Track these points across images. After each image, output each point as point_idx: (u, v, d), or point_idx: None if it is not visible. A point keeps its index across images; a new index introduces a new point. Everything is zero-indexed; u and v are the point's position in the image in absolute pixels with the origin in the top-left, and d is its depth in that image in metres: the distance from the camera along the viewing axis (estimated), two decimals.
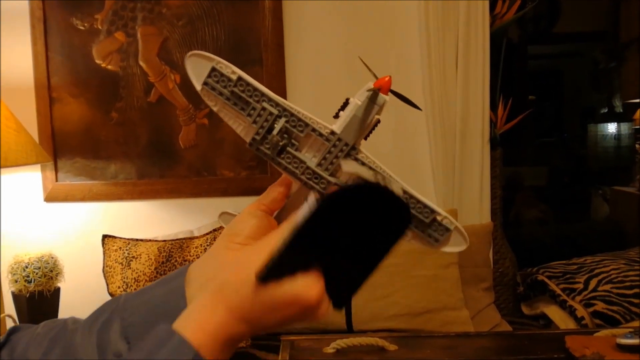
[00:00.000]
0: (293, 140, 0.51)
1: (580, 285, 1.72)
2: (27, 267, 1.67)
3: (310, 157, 0.51)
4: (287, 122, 0.50)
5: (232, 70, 0.50)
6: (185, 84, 1.97)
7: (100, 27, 1.96)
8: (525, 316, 1.90)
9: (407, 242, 0.51)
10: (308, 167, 0.51)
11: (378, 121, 0.51)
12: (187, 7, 1.93)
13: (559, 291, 1.75)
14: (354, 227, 0.43)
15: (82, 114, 1.99)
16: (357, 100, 0.50)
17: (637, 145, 4.05)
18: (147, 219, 1.98)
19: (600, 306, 1.63)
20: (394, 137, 1.94)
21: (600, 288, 1.69)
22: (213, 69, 0.50)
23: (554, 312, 1.75)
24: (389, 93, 0.51)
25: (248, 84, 0.50)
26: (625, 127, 4.65)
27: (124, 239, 1.77)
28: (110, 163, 2.00)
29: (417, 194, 0.52)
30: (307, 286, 0.42)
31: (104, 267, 1.74)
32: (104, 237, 1.78)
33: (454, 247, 0.54)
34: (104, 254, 1.76)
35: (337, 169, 0.51)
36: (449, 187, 1.87)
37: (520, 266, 2.08)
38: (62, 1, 1.96)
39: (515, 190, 3.96)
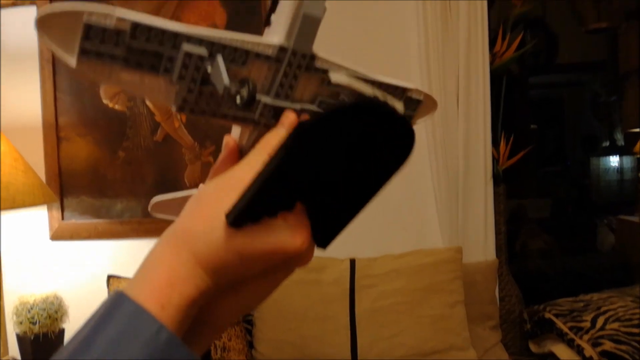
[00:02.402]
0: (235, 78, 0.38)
1: (588, 324, 1.71)
2: (32, 309, 1.67)
3: (259, 92, 0.39)
4: (224, 58, 0.36)
5: (117, 17, 0.33)
6: (191, 123, 1.99)
7: None
8: (533, 354, 1.88)
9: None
10: (265, 105, 0.39)
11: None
12: None
13: (566, 330, 1.74)
14: (348, 155, 0.34)
15: (89, 153, 2.01)
16: None
17: None
18: None
19: (608, 345, 1.62)
20: (397, 176, 1.95)
21: (607, 326, 1.67)
22: (87, 27, 0.33)
23: (562, 351, 1.73)
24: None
25: (150, 28, 0.34)
26: (627, 160, 4.67)
27: (129, 278, 1.76)
28: (116, 201, 2.01)
29: (386, 78, 0.44)
30: (292, 231, 0.34)
31: None
32: (109, 277, 1.78)
33: (424, 115, 0.47)
34: (108, 286, 1.76)
35: (297, 91, 0.40)
36: (453, 225, 1.87)
37: (527, 302, 2.06)
38: None
39: (519, 223, 3.95)
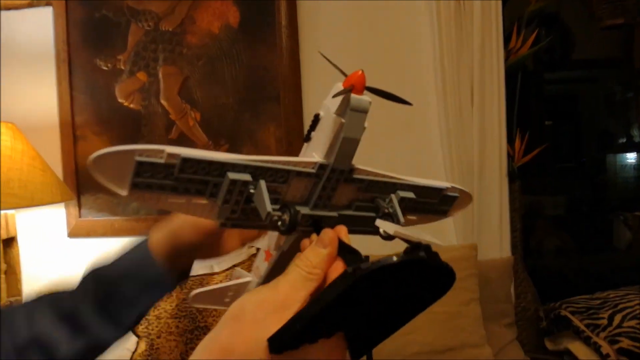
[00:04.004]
0: (279, 196, 0.41)
1: (605, 321, 1.69)
2: None
3: (298, 200, 0.42)
4: (266, 180, 0.39)
5: (166, 154, 0.36)
6: (205, 121, 2.00)
7: (122, 68, 2.02)
8: (549, 352, 1.87)
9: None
10: (304, 215, 0.42)
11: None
12: (206, 47, 1.98)
13: (582, 327, 1.72)
14: (389, 299, 0.37)
15: None
16: (336, 116, 0.39)
17: None
18: None
19: (626, 343, 1.60)
20: (412, 174, 1.94)
21: (625, 324, 1.66)
22: (139, 163, 0.36)
23: (579, 349, 1.71)
24: (366, 91, 0.41)
25: (199, 161, 0.37)
26: None
27: None
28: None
29: (422, 181, 0.47)
30: (327, 356, 0.36)
31: None
32: None
33: (460, 207, 0.51)
34: None
35: (335, 198, 0.43)
36: (468, 222, 1.87)
37: (543, 299, 2.05)
38: (86, 43, 2.03)
39: (535, 220, 3.92)
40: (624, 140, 4.96)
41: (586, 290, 1.96)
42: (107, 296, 0.57)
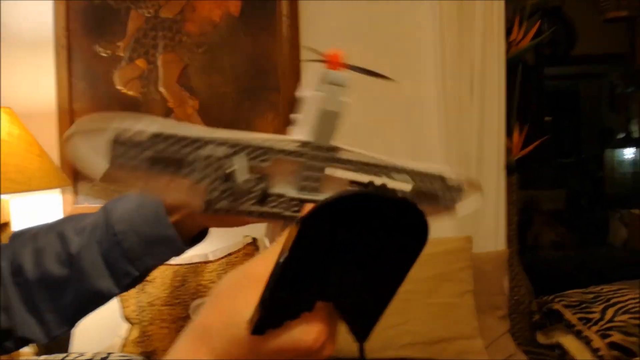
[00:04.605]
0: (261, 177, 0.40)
1: (597, 315, 1.70)
2: None
3: (285, 186, 0.40)
4: (245, 157, 0.38)
5: (140, 129, 0.37)
6: (204, 110, 2.00)
7: (122, 55, 2.01)
8: (541, 345, 1.88)
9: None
10: (291, 199, 0.40)
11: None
12: (207, 35, 1.98)
13: (574, 321, 1.73)
14: (351, 246, 0.33)
15: None
16: (316, 92, 0.39)
17: None
18: None
19: (617, 337, 1.61)
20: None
21: (617, 318, 1.67)
22: (113, 140, 0.36)
23: (570, 342, 1.73)
24: (347, 68, 0.40)
25: (171, 136, 0.37)
26: None
27: None
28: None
29: (421, 166, 0.45)
30: (306, 328, 0.35)
31: None
32: None
33: (468, 203, 0.48)
34: None
35: (324, 183, 0.41)
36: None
37: (537, 293, 2.06)
38: (86, 29, 2.02)
39: (532, 214, 3.93)
40: (623, 135, 4.96)
41: (581, 284, 1.97)
42: (112, 245, 0.55)
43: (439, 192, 0.45)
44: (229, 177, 0.38)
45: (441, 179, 0.45)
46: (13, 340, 0.56)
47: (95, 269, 0.54)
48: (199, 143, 0.37)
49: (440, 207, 0.46)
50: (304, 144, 0.40)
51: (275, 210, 0.40)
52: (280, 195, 0.40)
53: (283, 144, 0.39)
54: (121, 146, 0.36)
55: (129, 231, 0.54)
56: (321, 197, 0.41)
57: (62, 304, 0.56)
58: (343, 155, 0.41)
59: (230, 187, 0.38)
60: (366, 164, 0.42)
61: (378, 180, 0.41)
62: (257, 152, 0.39)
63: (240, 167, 0.37)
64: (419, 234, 0.34)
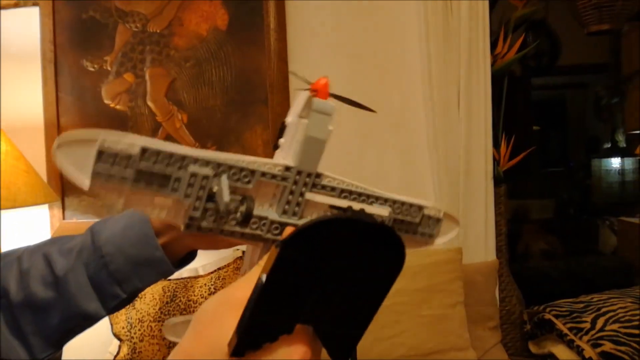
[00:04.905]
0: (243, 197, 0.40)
1: (588, 325, 1.71)
2: None
3: (267, 209, 0.41)
4: (229, 178, 0.39)
5: (127, 143, 0.37)
6: (192, 123, 2.00)
7: (109, 69, 2.01)
8: (533, 355, 1.88)
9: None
10: (272, 222, 0.41)
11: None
12: (195, 49, 1.98)
13: (566, 330, 1.74)
14: (330, 270, 0.34)
15: None
16: (300, 118, 0.40)
17: None
18: None
19: (608, 346, 1.62)
20: (399, 176, 1.96)
21: (607, 327, 1.67)
22: (100, 153, 0.37)
23: (562, 352, 1.73)
24: (332, 97, 0.42)
25: (158, 152, 0.38)
26: (629, 162, 4.66)
27: None
28: (118, 201, 2.02)
29: (401, 196, 0.46)
30: (289, 352, 0.35)
31: None
32: None
33: (447, 235, 0.49)
34: None
35: (305, 208, 0.42)
36: None
37: (527, 303, 2.06)
38: (73, 43, 2.02)
39: (521, 223, 3.95)
40: (609, 145, 5.02)
41: (571, 293, 1.98)
42: (99, 267, 0.54)
43: (416, 220, 0.45)
44: (212, 196, 0.38)
45: (419, 208, 0.46)
46: None
47: (82, 291, 0.54)
48: (184, 161, 0.38)
49: (417, 237, 0.47)
50: (288, 168, 0.40)
51: (256, 232, 0.41)
52: (262, 218, 0.41)
53: (267, 167, 0.40)
54: (106, 159, 0.37)
55: (117, 253, 0.54)
56: (302, 221, 0.41)
57: (48, 326, 0.55)
58: (325, 182, 0.42)
59: (213, 207, 0.39)
60: (347, 190, 0.43)
61: (357, 206, 0.42)
62: (241, 174, 0.39)
63: (223, 188, 0.38)
64: (396, 258, 0.35)
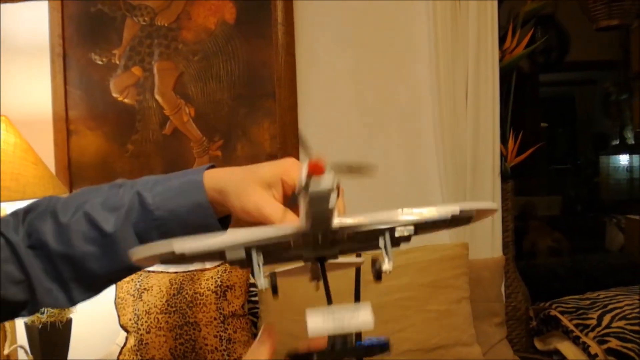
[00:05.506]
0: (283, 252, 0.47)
1: (594, 321, 1.70)
2: None
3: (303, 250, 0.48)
4: (258, 254, 0.45)
5: (176, 252, 0.44)
6: (200, 117, 2.00)
7: (117, 62, 2.02)
8: (539, 352, 1.88)
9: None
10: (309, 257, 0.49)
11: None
12: (202, 43, 1.98)
13: (572, 327, 1.73)
14: None
15: (99, 146, 2.03)
16: (303, 190, 0.42)
17: None
18: None
19: (614, 343, 1.61)
20: (406, 172, 1.95)
21: (614, 324, 1.67)
22: (160, 259, 0.46)
23: (567, 349, 1.72)
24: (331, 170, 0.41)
25: (201, 253, 0.45)
26: (637, 159, 4.63)
27: None
28: None
29: (429, 214, 0.47)
30: None
31: (115, 299, 1.76)
32: None
33: (484, 216, 0.53)
34: (115, 285, 1.77)
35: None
36: None
37: (533, 299, 2.06)
38: (81, 37, 2.03)
39: (528, 220, 3.94)
40: (617, 142, 4.98)
41: (578, 290, 1.97)
42: (151, 229, 0.57)
43: (448, 220, 0.49)
44: (251, 272, 0.47)
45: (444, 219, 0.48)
46: (28, 309, 0.59)
47: (130, 247, 0.57)
48: (222, 252, 0.44)
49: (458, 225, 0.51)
50: (304, 234, 0.44)
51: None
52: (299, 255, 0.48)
53: (289, 237, 0.45)
54: (165, 260, 0.45)
55: (170, 217, 0.56)
56: (334, 250, 0.47)
57: (89, 275, 0.58)
58: (339, 237, 0.45)
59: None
60: (365, 235, 0.46)
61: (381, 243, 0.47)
62: (270, 246, 0.45)
63: (255, 264, 0.44)
64: None
